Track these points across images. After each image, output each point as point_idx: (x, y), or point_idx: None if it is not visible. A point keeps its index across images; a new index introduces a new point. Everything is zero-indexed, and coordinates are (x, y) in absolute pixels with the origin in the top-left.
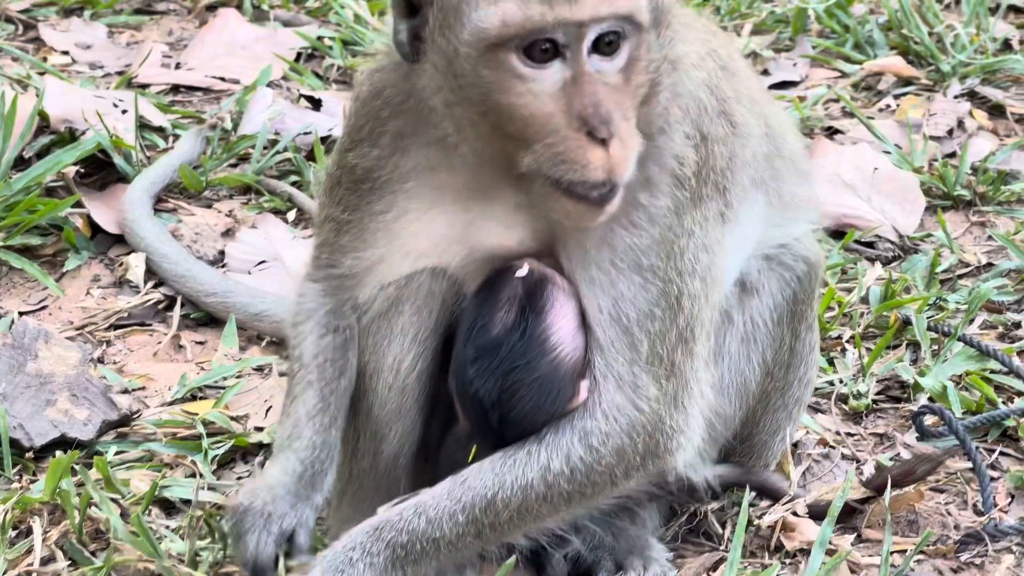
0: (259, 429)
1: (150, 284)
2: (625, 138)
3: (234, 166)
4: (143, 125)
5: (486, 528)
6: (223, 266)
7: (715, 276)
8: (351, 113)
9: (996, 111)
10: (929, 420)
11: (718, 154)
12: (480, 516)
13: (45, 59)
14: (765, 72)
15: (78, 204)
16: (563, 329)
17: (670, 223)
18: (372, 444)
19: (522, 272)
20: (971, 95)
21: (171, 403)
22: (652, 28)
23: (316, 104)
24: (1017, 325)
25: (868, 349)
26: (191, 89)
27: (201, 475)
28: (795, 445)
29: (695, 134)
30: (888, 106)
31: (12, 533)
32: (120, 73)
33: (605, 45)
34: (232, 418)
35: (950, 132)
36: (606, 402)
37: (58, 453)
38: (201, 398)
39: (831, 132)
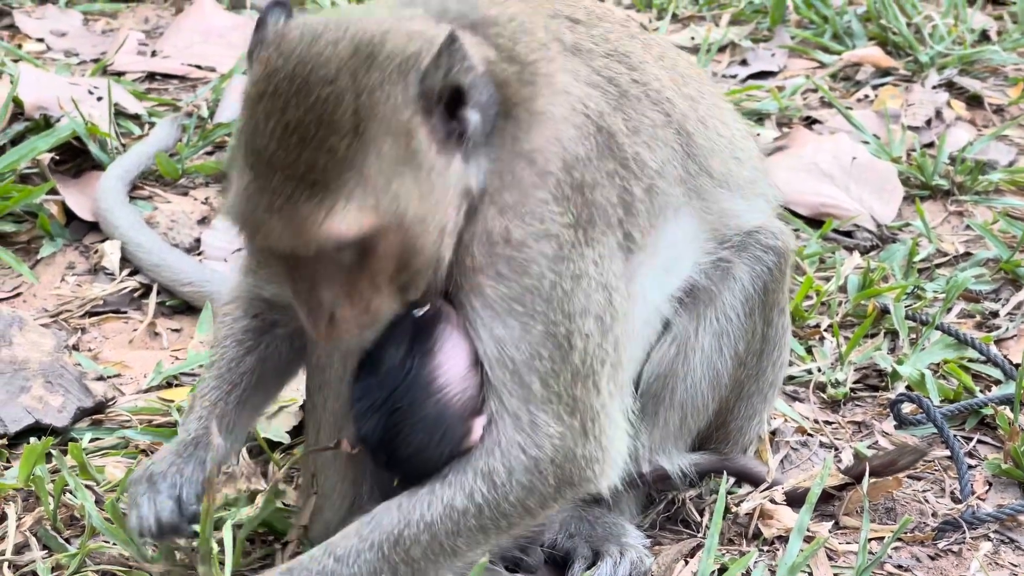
0: None
1: (125, 272)
2: (343, 322)
3: (210, 154)
4: (118, 113)
5: (400, 564)
6: (199, 253)
7: (617, 310)
8: None
9: (974, 101)
10: (907, 408)
11: (601, 198)
12: (390, 553)
13: (20, 46)
14: (743, 62)
15: (53, 191)
16: (452, 370)
17: (543, 272)
18: (332, 436)
19: (419, 311)
20: (949, 86)
21: (147, 390)
22: (397, 223)
23: None
24: (994, 314)
25: (846, 338)
26: (167, 77)
27: None
28: (773, 433)
29: (565, 188)
30: (866, 96)
31: None
32: (95, 61)
33: None
34: None
35: (928, 122)
36: (505, 441)
37: (32, 440)
38: (177, 385)
39: (809, 122)
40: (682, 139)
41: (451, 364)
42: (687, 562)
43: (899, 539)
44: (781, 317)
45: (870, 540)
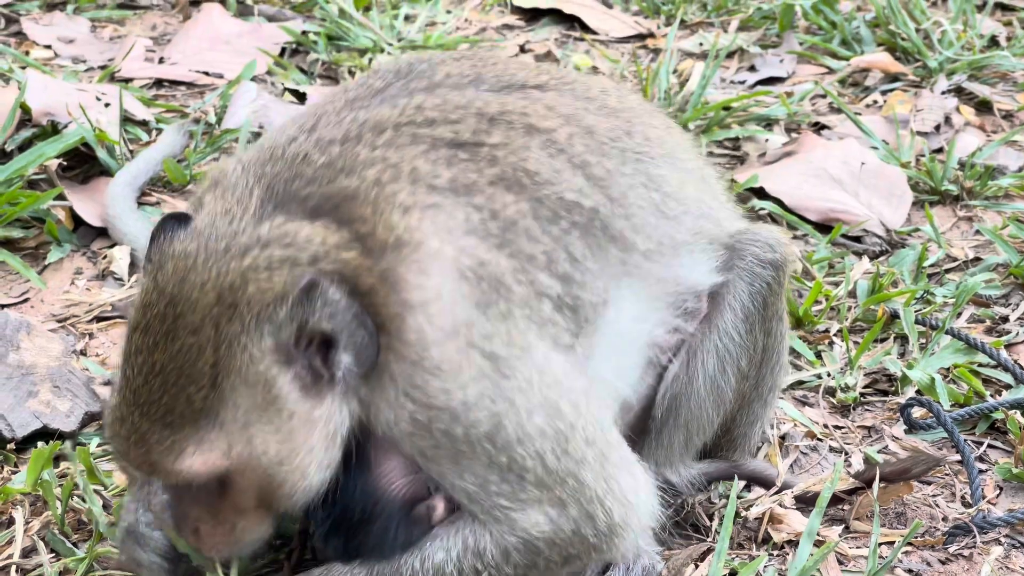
0: None
1: (134, 277)
2: (206, 537)
3: (218, 159)
4: (126, 119)
5: None
6: None
7: (567, 418)
8: None
9: (983, 107)
10: (917, 413)
11: (503, 338)
12: None
13: (27, 53)
14: (752, 68)
15: (60, 197)
16: (393, 471)
17: (448, 428)
18: None
19: None
20: (958, 91)
21: None
22: (252, 465)
23: (301, 98)
24: (1004, 319)
25: (855, 343)
26: (174, 83)
27: None
28: (782, 438)
29: (450, 353)
30: (875, 102)
31: None
32: (103, 68)
33: None
34: None
35: (937, 128)
36: (493, 530)
37: (40, 444)
38: None
39: (818, 128)
40: (593, 237)
41: (391, 466)
42: (697, 566)
43: (910, 543)
44: (779, 324)
45: (880, 544)
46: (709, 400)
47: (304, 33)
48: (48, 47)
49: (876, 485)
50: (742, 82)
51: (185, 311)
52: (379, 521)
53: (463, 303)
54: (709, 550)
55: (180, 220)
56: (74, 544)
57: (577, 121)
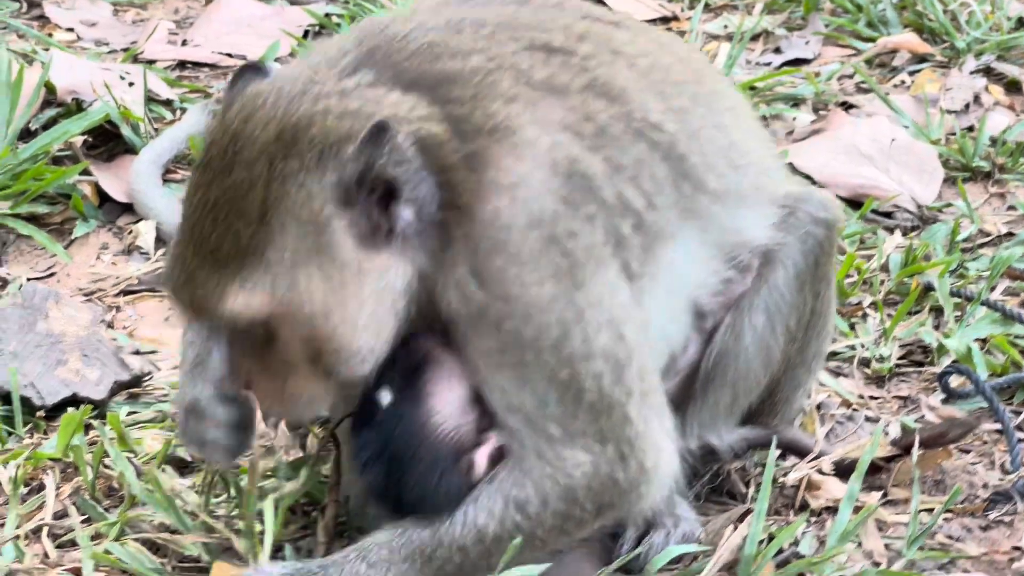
0: None
1: (160, 251)
2: (262, 395)
3: None
4: (150, 99)
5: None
6: None
7: (630, 343)
8: None
9: (1012, 87)
10: (955, 382)
11: (584, 243)
12: (423, 567)
13: (50, 35)
14: (777, 50)
15: (86, 172)
16: (444, 410)
17: (520, 327)
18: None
19: (382, 398)
20: (987, 71)
21: None
22: (299, 313)
23: None
24: None
25: (889, 315)
26: (198, 65)
27: None
28: (818, 407)
29: (533, 245)
30: (903, 82)
31: (24, 490)
32: (125, 50)
33: None
34: None
35: (966, 107)
36: (535, 472)
37: (70, 410)
38: None
39: (846, 107)
40: (672, 164)
41: (443, 404)
42: (736, 527)
43: (949, 510)
44: (827, 289)
45: (920, 511)
46: (757, 359)
47: (327, 15)
48: (71, 30)
49: (915, 450)
50: (768, 64)
51: (244, 147)
52: (423, 464)
53: (552, 196)
54: (747, 512)
55: (258, 70)
56: (105, 509)
57: (655, 57)
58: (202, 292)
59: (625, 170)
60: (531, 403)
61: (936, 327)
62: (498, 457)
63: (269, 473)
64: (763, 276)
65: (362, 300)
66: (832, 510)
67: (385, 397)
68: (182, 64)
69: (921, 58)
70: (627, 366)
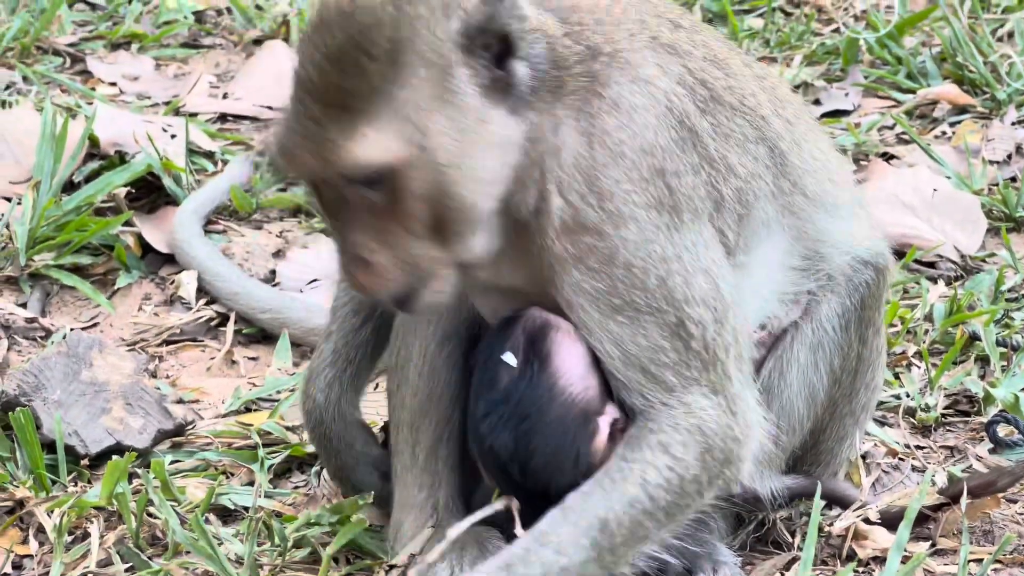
0: None
1: (202, 301)
2: (376, 267)
3: (283, 190)
4: (192, 151)
5: (605, 553)
6: (275, 285)
7: (726, 297)
8: None
9: None
10: (1002, 431)
11: (687, 187)
12: (599, 539)
13: (93, 89)
14: (817, 102)
15: (128, 223)
16: (570, 371)
17: (629, 259)
18: (409, 436)
19: (509, 359)
20: None
21: (225, 415)
22: (425, 161)
23: None
24: None
25: (934, 365)
26: (239, 118)
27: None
28: (864, 456)
29: (642, 170)
30: (943, 133)
31: (68, 538)
32: (167, 103)
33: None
34: (287, 428)
35: (1008, 157)
36: (667, 421)
37: (114, 458)
38: (255, 410)
39: (886, 158)
40: (775, 157)
41: (569, 366)
42: (783, 575)
43: (998, 560)
44: (876, 338)
45: (968, 562)
46: (801, 396)
47: None
48: (113, 84)
49: (964, 498)
50: None
51: None
52: (554, 427)
53: (665, 132)
54: (794, 559)
55: None
56: (149, 558)
57: (764, 72)
58: (330, 139)
59: (731, 140)
60: (647, 351)
61: (982, 376)
62: (622, 428)
63: (312, 521)
64: (809, 312)
65: (484, 152)
66: (880, 560)
67: (511, 359)
68: (223, 117)
69: (962, 109)
70: (724, 321)
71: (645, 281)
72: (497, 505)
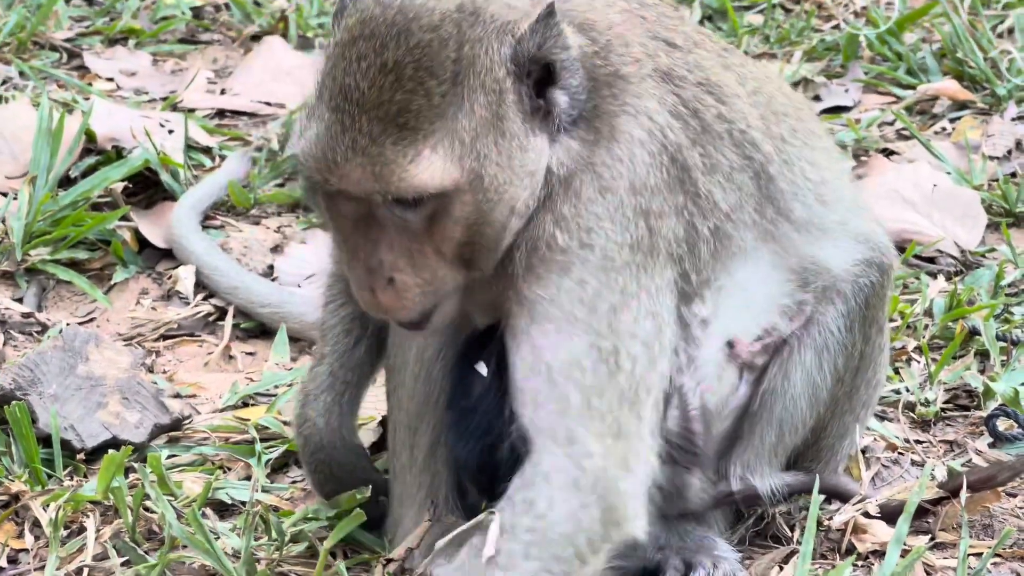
0: None
1: (200, 296)
2: (401, 288)
3: (281, 186)
4: (190, 146)
5: None
6: (273, 280)
7: (666, 345)
8: None
9: None
10: (1002, 425)
11: (666, 229)
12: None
13: (90, 84)
14: (816, 98)
15: (125, 218)
16: None
17: (584, 277)
18: (407, 437)
19: (481, 369)
20: None
21: (222, 410)
22: (476, 185)
23: None
24: None
25: (934, 359)
26: (236, 114)
27: (256, 478)
28: (863, 451)
29: (627, 210)
30: (943, 129)
31: (64, 532)
32: (164, 99)
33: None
34: (285, 423)
35: (1008, 153)
36: (544, 463)
37: (111, 452)
38: (252, 405)
39: (886, 154)
40: (760, 183)
41: None
42: (781, 568)
43: (998, 554)
44: (879, 336)
45: (968, 555)
46: (804, 397)
47: None
48: (110, 80)
49: (963, 492)
50: None
51: (421, 14)
52: (501, 443)
53: (657, 172)
54: (793, 552)
55: None
56: (145, 552)
57: (761, 83)
58: (383, 161)
59: (718, 172)
60: (562, 362)
61: (981, 371)
62: None
63: (310, 516)
64: (812, 318)
65: (522, 180)
66: (879, 554)
67: (482, 368)
68: (221, 112)
69: (962, 105)
70: (656, 363)
71: (595, 303)
72: (481, 518)
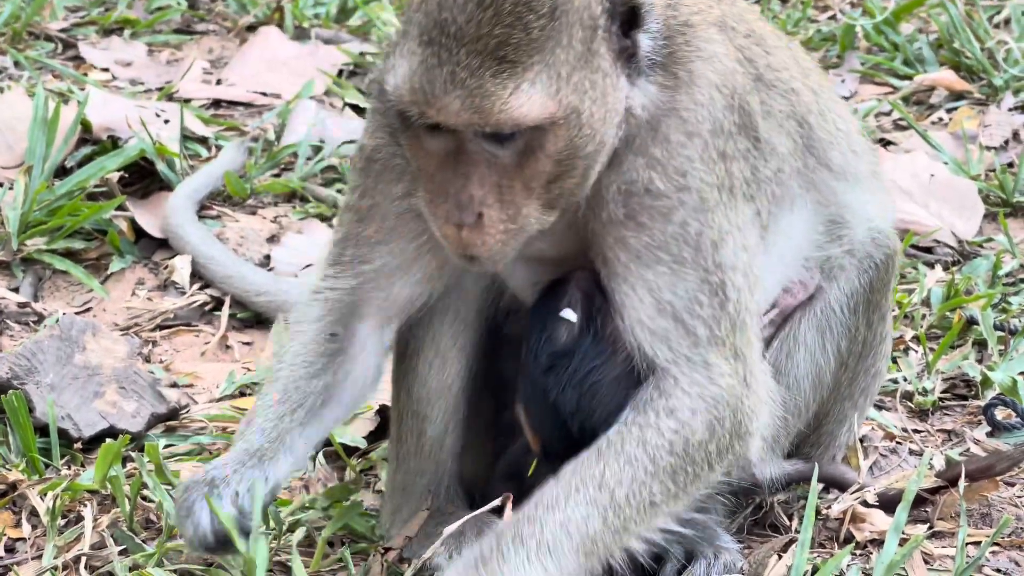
0: None
1: (196, 286)
2: (488, 225)
3: (277, 176)
4: (186, 136)
5: (608, 510)
6: (270, 270)
7: (756, 275)
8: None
9: None
10: (1000, 414)
11: (737, 171)
12: (596, 495)
13: (86, 75)
14: None
15: (122, 208)
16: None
17: (686, 219)
18: (415, 424)
19: (569, 315)
20: None
21: (219, 399)
22: (572, 119)
23: (363, 113)
24: None
25: (932, 348)
26: (232, 104)
27: None
28: (861, 440)
29: (712, 151)
30: (940, 119)
31: (62, 521)
32: (160, 89)
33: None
34: None
35: (1005, 143)
36: (684, 382)
37: (108, 441)
38: (249, 395)
39: (883, 144)
40: (803, 131)
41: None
42: (780, 557)
43: (996, 543)
44: (881, 324)
45: (966, 544)
46: (808, 378)
47: (361, 54)
48: (106, 70)
49: (962, 481)
50: None
51: None
52: (615, 383)
53: (729, 116)
54: (792, 540)
55: None
56: (142, 541)
57: (789, 43)
58: (483, 93)
59: (772, 118)
60: (683, 301)
61: (979, 360)
62: None
63: (307, 505)
64: (817, 292)
65: (611, 118)
66: (877, 543)
67: (571, 315)
68: (217, 103)
69: (958, 95)
70: (753, 294)
71: (699, 241)
72: (495, 503)
